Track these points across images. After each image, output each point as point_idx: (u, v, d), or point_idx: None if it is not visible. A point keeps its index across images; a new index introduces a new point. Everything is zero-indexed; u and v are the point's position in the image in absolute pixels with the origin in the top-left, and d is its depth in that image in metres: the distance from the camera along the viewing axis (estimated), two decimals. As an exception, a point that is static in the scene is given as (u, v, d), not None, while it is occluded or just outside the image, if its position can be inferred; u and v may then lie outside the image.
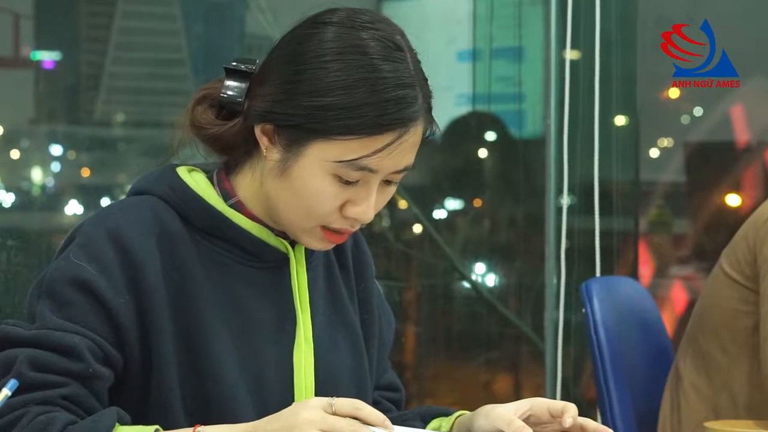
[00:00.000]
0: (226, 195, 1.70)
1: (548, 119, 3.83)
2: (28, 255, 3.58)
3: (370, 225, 1.68)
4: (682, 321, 3.75)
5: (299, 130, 1.60)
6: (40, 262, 3.52)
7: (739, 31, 3.96)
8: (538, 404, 1.67)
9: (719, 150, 4.46)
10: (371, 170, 1.61)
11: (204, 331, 1.63)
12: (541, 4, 3.98)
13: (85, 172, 4.11)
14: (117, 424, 1.52)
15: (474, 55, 4.21)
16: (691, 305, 2.88)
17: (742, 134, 4.33)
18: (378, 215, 1.71)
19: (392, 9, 4.34)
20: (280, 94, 1.61)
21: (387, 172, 1.63)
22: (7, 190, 3.97)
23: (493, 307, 4.20)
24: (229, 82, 1.67)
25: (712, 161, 4.49)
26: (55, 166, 4.07)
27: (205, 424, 1.53)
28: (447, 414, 1.80)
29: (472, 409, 1.74)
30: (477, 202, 4.46)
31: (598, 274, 3.62)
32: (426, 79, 1.64)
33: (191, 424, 1.56)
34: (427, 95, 1.64)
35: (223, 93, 1.67)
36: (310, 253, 1.75)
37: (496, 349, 4.31)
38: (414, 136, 1.62)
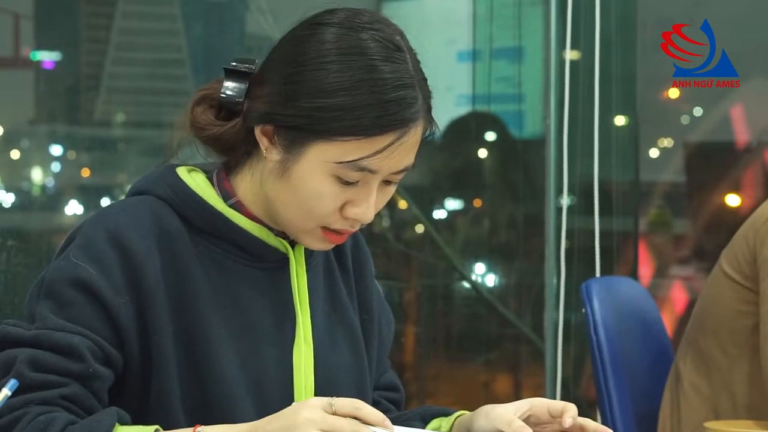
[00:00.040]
0: (226, 195, 1.70)
1: (548, 119, 3.83)
2: (28, 255, 3.58)
3: (370, 225, 1.68)
4: (682, 321, 3.75)
5: (299, 131, 1.60)
6: (40, 262, 3.52)
7: (739, 32, 3.96)
8: (538, 404, 1.67)
9: (719, 150, 4.46)
10: (371, 171, 1.61)
11: (204, 332, 1.63)
12: (541, 5, 3.98)
13: (85, 173, 4.11)
14: (117, 424, 1.52)
15: (474, 56, 4.21)
16: (691, 305, 2.88)
17: (741, 134, 4.33)
18: (378, 215, 1.71)
19: (392, 9, 4.34)
20: (280, 96, 1.61)
21: (387, 173, 1.63)
22: (7, 190, 3.97)
23: (493, 308, 4.20)
24: (229, 83, 1.67)
25: (712, 161, 4.49)
26: (55, 166, 4.07)
27: (205, 425, 1.53)
28: (447, 414, 1.80)
29: (472, 409, 1.74)
30: (477, 203, 4.46)
31: (598, 274, 3.62)
32: (425, 80, 1.64)
33: (191, 424, 1.56)
34: (427, 95, 1.64)
35: (222, 93, 1.67)
36: (309, 254, 1.75)
37: (496, 350, 4.30)
38: (414, 136, 1.62)
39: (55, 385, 1.54)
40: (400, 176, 1.65)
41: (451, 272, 4.34)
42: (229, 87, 1.66)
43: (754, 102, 4.25)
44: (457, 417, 1.77)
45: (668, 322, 3.40)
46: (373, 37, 1.61)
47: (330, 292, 1.79)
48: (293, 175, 1.62)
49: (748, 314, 2.48)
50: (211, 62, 4.33)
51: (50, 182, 4.10)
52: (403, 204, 4.22)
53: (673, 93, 4.38)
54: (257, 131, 1.64)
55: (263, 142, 1.64)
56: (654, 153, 4.59)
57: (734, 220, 3.61)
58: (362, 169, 1.60)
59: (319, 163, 1.60)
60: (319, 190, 1.61)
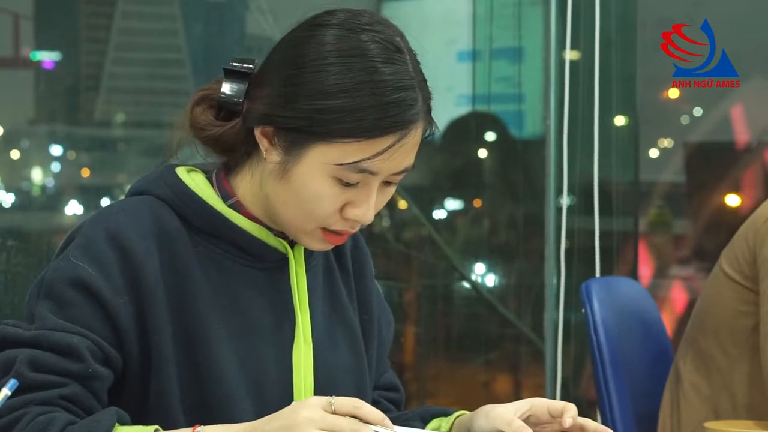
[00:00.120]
0: (226, 195, 1.70)
1: (548, 119, 3.83)
2: (28, 255, 3.58)
3: (369, 225, 1.69)
4: (682, 321, 3.75)
5: (299, 132, 1.60)
6: (40, 262, 3.52)
7: (739, 32, 3.96)
8: (538, 404, 1.67)
9: (719, 150, 4.46)
10: (372, 172, 1.61)
11: (203, 332, 1.63)
12: (541, 5, 3.98)
13: (85, 173, 4.11)
14: (116, 424, 1.52)
15: (474, 56, 4.21)
16: (691, 305, 2.88)
17: (741, 134, 4.33)
18: (378, 216, 1.71)
19: (392, 9, 4.34)
20: (280, 97, 1.61)
21: (387, 174, 1.63)
22: (7, 190, 3.97)
23: (493, 308, 4.20)
24: (228, 83, 1.67)
25: (712, 161, 4.49)
26: (55, 167, 4.07)
27: (205, 424, 1.53)
28: (447, 414, 1.80)
29: (472, 409, 1.74)
30: (477, 203, 4.46)
31: (597, 274, 3.62)
32: (425, 80, 1.64)
33: (190, 424, 1.56)
34: (427, 96, 1.64)
35: (221, 94, 1.67)
36: (309, 254, 1.75)
37: (496, 350, 4.30)
38: (414, 137, 1.62)
39: (55, 386, 1.54)
40: (400, 177, 1.65)
41: (451, 272, 4.34)
42: (229, 87, 1.66)
43: (754, 102, 4.25)
44: (457, 417, 1.77)
45: (668, 322, 3.40)
46: (373, 38, 1.61)
47: (329, 292, 1.79)
48: (293, 177, 1.62)
49: (748, 314, 2.48)
50: (210, 62, 4.33)
51: (50, 182, 4.10)
52: (403, 204, 4.22)
53: (673, 93, 4.38)
54: (257, 132, 1.64)
55: (263, 143, 1.64)
56: (654, 153, 4.59)
57: (734, 220, 3.61)
58: (362, 171, 1.60)
59: (319, 165, 1.60)
60: (319, 192, 1.61)
